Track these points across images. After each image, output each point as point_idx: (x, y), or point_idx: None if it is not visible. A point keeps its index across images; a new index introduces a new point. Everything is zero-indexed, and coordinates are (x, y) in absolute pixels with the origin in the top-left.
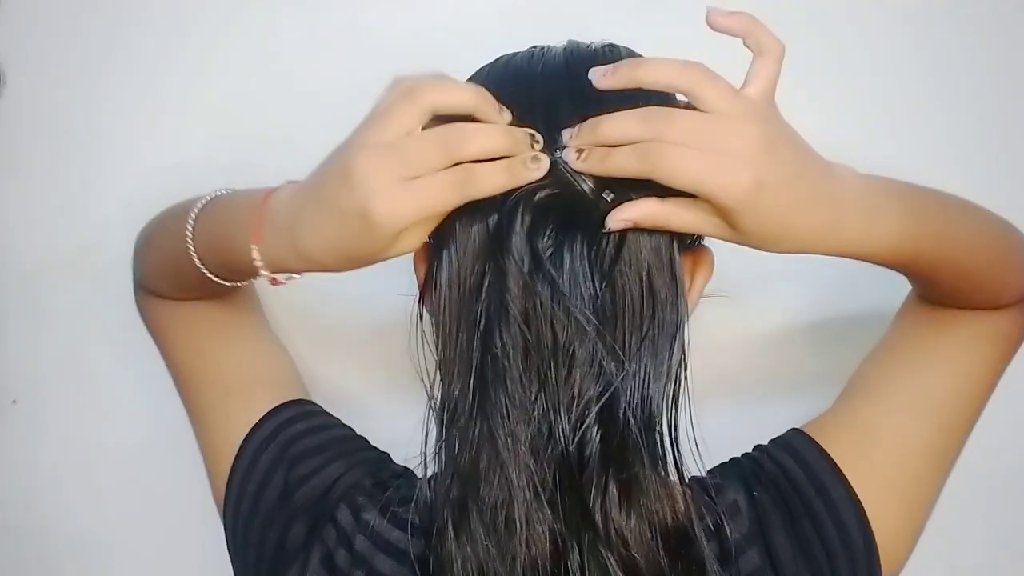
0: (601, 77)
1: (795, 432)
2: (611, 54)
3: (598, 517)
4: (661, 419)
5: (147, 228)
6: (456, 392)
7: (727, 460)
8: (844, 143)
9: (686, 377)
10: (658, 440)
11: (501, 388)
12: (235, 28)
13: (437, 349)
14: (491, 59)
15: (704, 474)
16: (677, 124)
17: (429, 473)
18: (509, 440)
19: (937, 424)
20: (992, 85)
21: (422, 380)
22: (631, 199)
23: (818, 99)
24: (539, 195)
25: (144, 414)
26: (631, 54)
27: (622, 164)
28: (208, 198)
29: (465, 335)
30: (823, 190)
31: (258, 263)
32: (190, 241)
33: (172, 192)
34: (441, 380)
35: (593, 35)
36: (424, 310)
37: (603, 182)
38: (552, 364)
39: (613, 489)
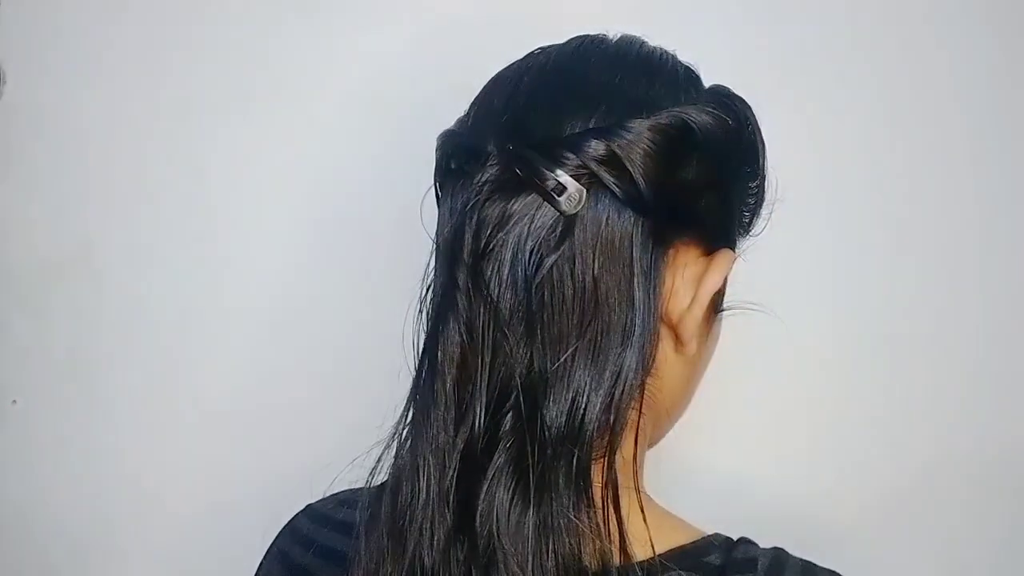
0: None
1: None
2: (621, 44)
3: (485, 531)
4: (593, 432)
5: None
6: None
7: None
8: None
9: (642, 390)
10: (581, 455)
11: (432, 393)
12: (232, 27)
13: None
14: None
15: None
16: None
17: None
18: (430, 445)
19: None
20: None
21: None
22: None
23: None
24: (484, 191)
25: (144, 414)
26: (638, 45)
27: None
28: None
29: (424, 335)
30: None
31: None
32: None
33: (173, 192)
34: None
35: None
36: None
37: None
38: (478, 369)
39: (511, 507)
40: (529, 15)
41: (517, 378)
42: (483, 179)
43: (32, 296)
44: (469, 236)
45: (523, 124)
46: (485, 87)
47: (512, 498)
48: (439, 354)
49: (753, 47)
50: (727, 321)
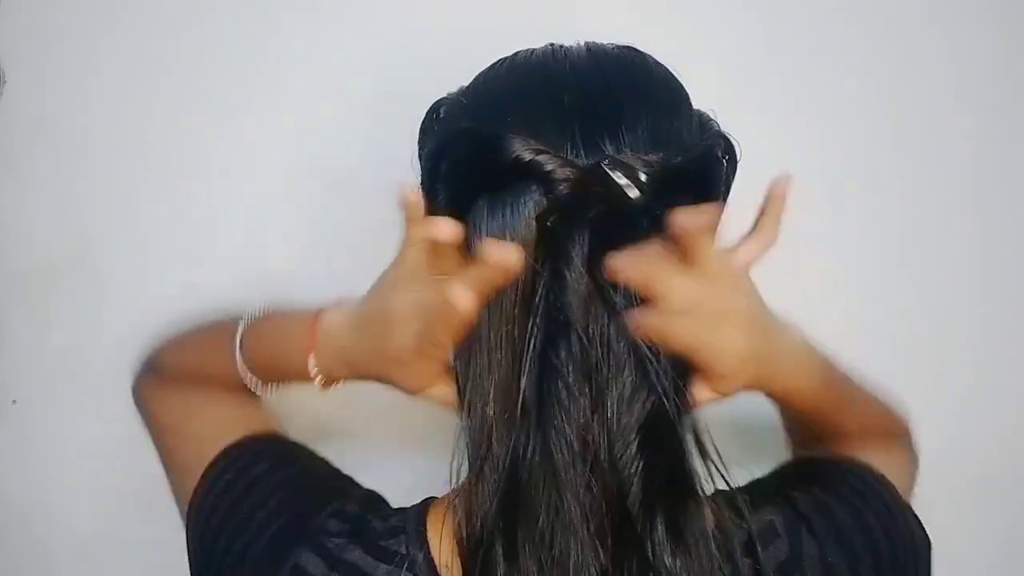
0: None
1: (881, 482)
2: (638, 56)
3: (650, 556)
4: (690, 438)
5: (177, 339)
6: (493, 412)
7: (764, 476)
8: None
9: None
10: (695, 464)
11: (561, 408)
12: (231, 27)
13: (467, 366)
14: (492, 56)
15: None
16: (676, 295)
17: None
18: (568, 464)
19: None
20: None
21: (461, 399)
22: (676, 205)
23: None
24: (592, 211)
25: None
26: (652, 59)
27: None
28: (250, 316)
29: (510, 351)
30: (776, 349)
31: (314, 373)
32: (238, 355)
33: (173, 192)
34: (469, 400)
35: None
36: None
37: (649, 192)
38: (608, 383)
39: (660, 524)
40: (527, 16)
41: (649, 390)
42: (576, 192)
43: (32, 296)
44: (581, 249)
45: (596, 136)
46: (516, 79)
47: (665, 523)
48: (567, 367)
49: (754, 46)
50: None
